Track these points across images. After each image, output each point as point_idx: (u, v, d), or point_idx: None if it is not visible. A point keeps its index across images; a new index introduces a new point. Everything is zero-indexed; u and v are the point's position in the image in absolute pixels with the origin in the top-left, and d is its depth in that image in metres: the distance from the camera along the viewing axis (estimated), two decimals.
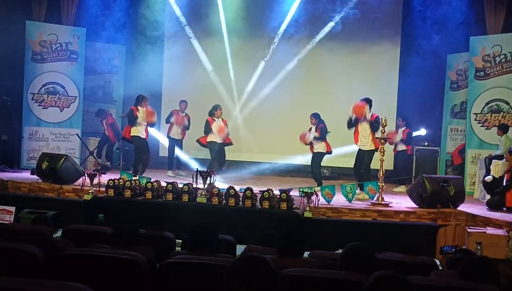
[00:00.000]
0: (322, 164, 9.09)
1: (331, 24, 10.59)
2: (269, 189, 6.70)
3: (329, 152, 8.81)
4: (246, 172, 10.26)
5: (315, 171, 8.83)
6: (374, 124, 7.78)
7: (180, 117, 9.90)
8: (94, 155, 10.24)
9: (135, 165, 8.89)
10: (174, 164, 10.11)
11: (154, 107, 9.48)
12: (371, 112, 7.96)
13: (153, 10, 10.77)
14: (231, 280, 1.87)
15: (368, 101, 8.02)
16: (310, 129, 8.76)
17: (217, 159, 9.23)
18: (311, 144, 8.78)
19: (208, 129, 9.24)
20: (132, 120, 8.86)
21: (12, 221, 6.03)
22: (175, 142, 10.07)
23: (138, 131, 8.89)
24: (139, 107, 8.90)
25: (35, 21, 10.13)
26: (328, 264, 3.15)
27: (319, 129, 8.68)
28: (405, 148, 9.76)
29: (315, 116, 8.82)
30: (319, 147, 8.74)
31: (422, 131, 10.25)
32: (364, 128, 7.95)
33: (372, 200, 7.36)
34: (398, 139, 9.59)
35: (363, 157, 8.02)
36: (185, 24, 11.21)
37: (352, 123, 8.03)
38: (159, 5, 10.92)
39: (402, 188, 8.98)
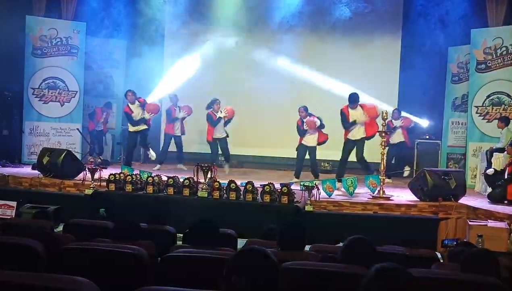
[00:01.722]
0: (324, 158, 9.17)
1: (337, 14, 10.56)
2: (270, 182, 6.71)
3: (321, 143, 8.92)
4: (247, 166, 10.27)
5: (314, 165, 8.94)
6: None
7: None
8: (92, 153, 10.31)
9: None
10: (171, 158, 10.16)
11: (154, 103, 9.52)
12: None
13: (153, 6, 10.74)
14: (231, 273, 1.87)
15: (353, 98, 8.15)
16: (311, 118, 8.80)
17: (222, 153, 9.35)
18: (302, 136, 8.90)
19: (214, 122, 9.27)
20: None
21: (13, 216, 6.06)
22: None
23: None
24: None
25: (35, 16, 10.11)
26: (329, 257, 3.15)
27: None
28: (403, 139, 9.77)
29: (305, 109, 8.89)
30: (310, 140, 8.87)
31: (424, 122, 10.25)
32: None
33: (373, 193, 7.36)
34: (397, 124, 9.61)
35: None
36: (186, 19, 11.17)
37: (350, 124, 8.11)
38: (159, 0, 10.89)
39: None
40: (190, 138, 10.77)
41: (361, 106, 8.19)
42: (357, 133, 8.19)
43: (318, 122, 8.73)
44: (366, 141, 8.24)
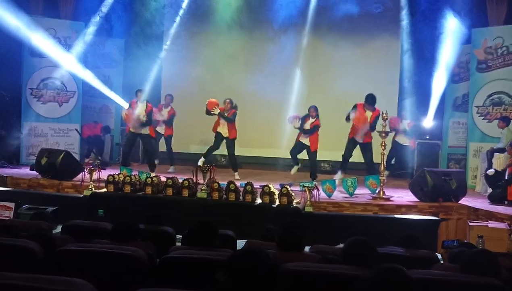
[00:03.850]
0: (324, 158, 9.18)
1: (337, 14, 10.55)
2: (270, 183, 6.69)
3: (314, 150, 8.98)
4: (246, 167, 10.24)
5: (312, 165, 8.99)
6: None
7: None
8: (89, 155, 10.29)
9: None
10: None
11: (153, 102, 9.49)
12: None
13: (152, 4, 10.71)
14: (227, 274, 1.85)
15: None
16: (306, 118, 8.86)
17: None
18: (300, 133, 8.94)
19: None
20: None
21: (11, 217, 6.03)
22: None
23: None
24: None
25: (33, 16, 10.06)
26: (330, 258, 3.13)
27: (313, 125, 8.82)
28: (408, 143, 9.79)
29: (316, 109, 8.92)
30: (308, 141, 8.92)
31: (427, 122, 10.27)
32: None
33: (373, 194, 7.34)
34: (402, 128, 9.64)
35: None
36: (185, 19, 11.15)
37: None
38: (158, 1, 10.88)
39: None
40: (189, 138, 10.74)
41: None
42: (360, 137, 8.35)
43: (297, 126, 8.89)
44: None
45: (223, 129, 9.05)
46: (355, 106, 8.41)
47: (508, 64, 8.91)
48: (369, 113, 8.26)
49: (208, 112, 9.00)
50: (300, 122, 8.89)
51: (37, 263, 2.82)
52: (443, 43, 9.77)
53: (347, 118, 8.39)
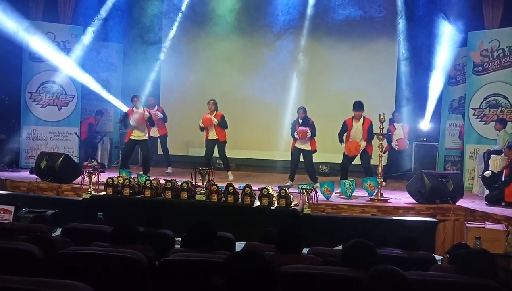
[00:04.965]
0: (322, 160, 9.09)
1: (335, 17, 10.58)
2: (268, 185, 6.71)
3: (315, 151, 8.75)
4: (244, 169, 10.25)
5: (310, 169, 8.79)
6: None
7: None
8: (88, 158, 10.28)
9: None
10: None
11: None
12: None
13: (150, 9, 10.74)
14: (225, 276, 1.86)
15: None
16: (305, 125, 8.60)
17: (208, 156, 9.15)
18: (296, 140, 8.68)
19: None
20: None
21: (11, 220, 6.03)
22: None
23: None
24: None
25: (32, 20, 10.09)
26: (329, 260, 3.15)
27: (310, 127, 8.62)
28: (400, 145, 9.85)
29: (305, 110, 8.71)
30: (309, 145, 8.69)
31: (424, 125, 10.29)
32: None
33: (371, 196, 7.37)
34: (400, 135, 9.66)
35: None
36: (183, 22, 11.17)
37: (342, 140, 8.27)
38: (157, 3, 10.90)
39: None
40: (188, 141, 10.73)
41: (364, 119, 8.21)
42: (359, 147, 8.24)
43: (309, 134, 8.49)
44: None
45: (213, 135, 9.00)
46: (344, 124, 8.28)
47: (504, 67, 8.94)
48: (359, 125, 8.18)
49: (204, 128, 8.97)
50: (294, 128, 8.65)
51: (37, 266, 2.82)
52: (439, 46, 9.82)
53: (341, 141, 8.29)
